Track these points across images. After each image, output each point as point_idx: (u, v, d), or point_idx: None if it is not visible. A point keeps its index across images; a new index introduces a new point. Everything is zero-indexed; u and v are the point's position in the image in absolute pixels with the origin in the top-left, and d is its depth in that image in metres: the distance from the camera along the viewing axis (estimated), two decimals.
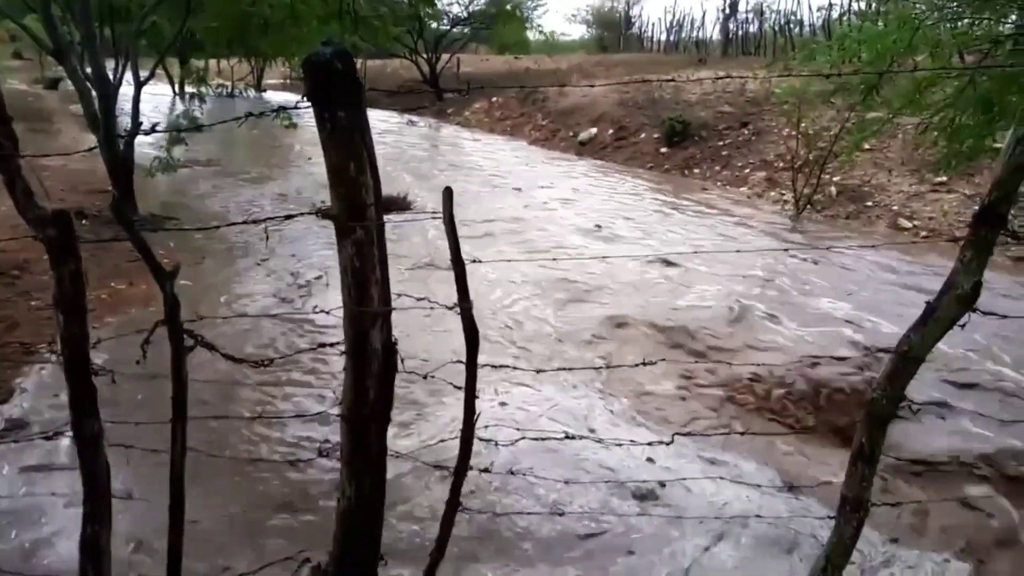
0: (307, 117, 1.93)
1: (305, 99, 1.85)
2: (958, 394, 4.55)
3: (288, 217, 2.10)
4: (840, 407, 4.37)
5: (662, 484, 3.36)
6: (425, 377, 2.51)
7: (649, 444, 2.99)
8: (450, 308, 2.14)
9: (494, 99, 20.47)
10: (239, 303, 5.96)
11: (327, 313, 2.34)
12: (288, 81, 29.22)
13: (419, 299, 2.17)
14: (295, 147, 14.46)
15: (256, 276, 6.64)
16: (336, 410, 2.25)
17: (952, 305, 2.40)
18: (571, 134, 16.43)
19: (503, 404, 4.14)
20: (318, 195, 9.77)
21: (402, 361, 2.28)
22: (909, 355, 2.52)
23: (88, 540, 1.95)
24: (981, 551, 3.19)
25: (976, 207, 2.37)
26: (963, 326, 2.39)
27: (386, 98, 21.46)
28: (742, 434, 3.52)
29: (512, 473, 3.11)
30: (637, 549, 3.01)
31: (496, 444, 2.36)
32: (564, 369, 4.23)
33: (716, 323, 5.71)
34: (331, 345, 2.29)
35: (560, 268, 6.65)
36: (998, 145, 2.52)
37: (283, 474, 3.50)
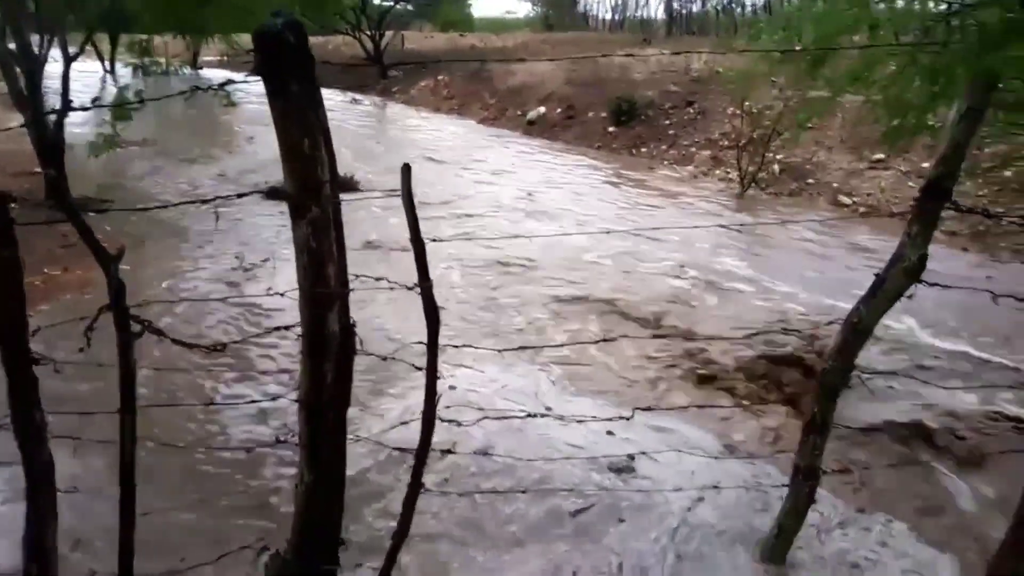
0: (247, 95, 1.86)
1: (253, 74, 1.77)
2: (904, 362, 4.73)
3: (240, 196, 2.02)
4: (789, 379, 4.49)
5: (631, 457, 3.42)
6: (384, 359, 2.47)
7: (610, 420, 3.02)
8: (410, 288, 2.10)
9: (440, 77, 20.20)
10: (183, 289, 5.77)
11: (282, 295, 2.27)
12: (226, 58, 28.24)
13: (377, 279, 2.13)
14: (235, 127, 14.03)
15: (200, 261, 6.43)
16: (294, 395, 2.19)
17: (899, 277, 2.47)
18: (519, 113, 16.35)
19: (452, 388, 4.07)
20: (262, 176, 9.51)
21: (361, 343, 2.24)
22: (859, 327, 2.60)
23: (32, 539, 1.87)
24: (926, 514, 3.34)
25: (911, 184, 2.44)
26: (910, 297, 2.46)
27: (328, 76, 20.97)
28: (700, 407, 3.59)
29: (487, 455, 3.11)
30: (627, 517, 3.11)
31: (459, 424, 2.32)
32: (526, 348, 4.21)
33: (663, 299, 5.79)
34: (287, 328, 2.23)
35: (504, 247, 6.62)
36: (938, 124, 2.59)
37: (240, 462, 3.42)
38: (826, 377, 2.73)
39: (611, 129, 14.33)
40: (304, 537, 2.30)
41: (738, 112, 11.11)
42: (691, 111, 13.77)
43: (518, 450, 3.31)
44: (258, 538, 2.75)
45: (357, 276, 2.11)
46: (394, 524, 2.28)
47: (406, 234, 1.92)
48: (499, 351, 3.66)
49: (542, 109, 15.98)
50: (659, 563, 2.87)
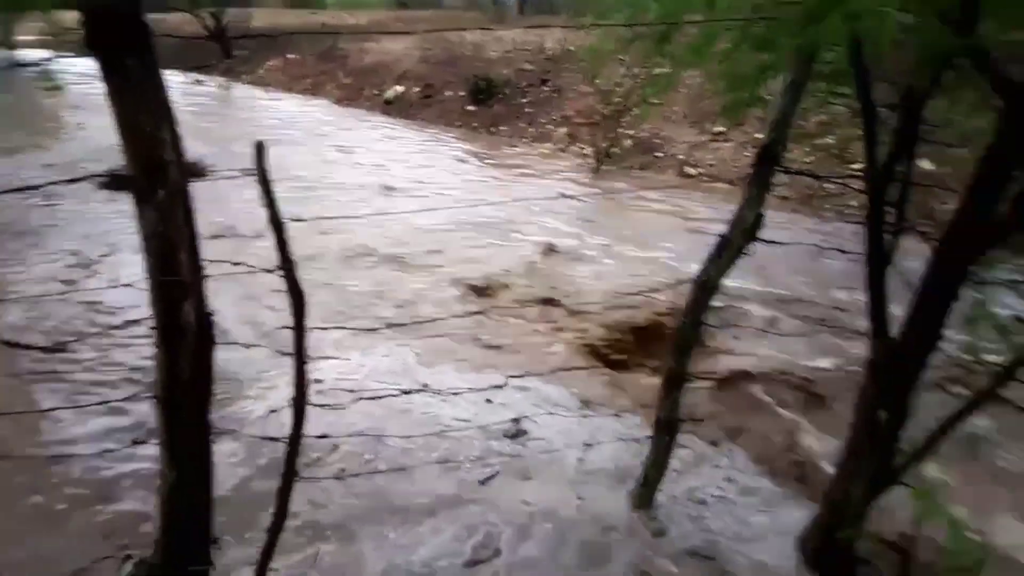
0: (74, 79, 1.71)
1: (82, 50, 1.64)
2: (750, 315, 5.14)
3: (72, 182, 1.86)
4: (650, 338, 4.77)
5: (516, 421, 3.58)
6: (248, 347, 2.39)
7: (485, 389, 3.08)
8: (271, 271, 2.04)
9: (290, 56, 19.36)
10: (12, 291, 5.22)
11: (129, 287, 2.13)
12: (50, 38, 25.51)
13: (236, 263, 2.04)
14: (61, 113, 12.77)
15: (30, 259, 5.84)
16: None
17: (740, 236, 2.68)
18: (376, 92, 16.00)
19: (319, 380, 3.82)
20: (97, 165, 8.73)
21: (223, 333, 2.15)
22: (706, 284, 2.80)
23: None
24: (769, 451, 3.67)
25: (747, 153, 2.66)
26: (750, 255, 2.68)
27: (167, 55, 19.48)
28: (568, 370, 3.74)
29: (380, 438, 3.08)
30: (533, 475, 3.33)
31: (333, 408, 2.29)
32: (395, 326, 4.17)
33: (526, 269, 5.94)
34: (136, 322, 2.10)
35: (363, 226, 6.51)
36: (769, 97, 2.82)
37: (94, 468, 3.17)
38: (680, 334, 2.92)
39: (470, 108, 14.36)
40: (171, 538, 2.19)
41: (590, 90, 11.47)
42: (546, 89, 14.05)
43: (410, 430, 3.31)
44: (120, 546, 2.58)
45: (211, 262, 2.01)
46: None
47: (262, 220, 1.85)
48: (370, 330, 3.62)
49: (399, 88, 15.73)
50: (566, 506, 3.11)
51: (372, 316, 4.92)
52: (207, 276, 2.01)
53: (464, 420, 3.59)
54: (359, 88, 16.59)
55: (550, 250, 6.54)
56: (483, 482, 3.23)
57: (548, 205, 7.76)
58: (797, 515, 3.14)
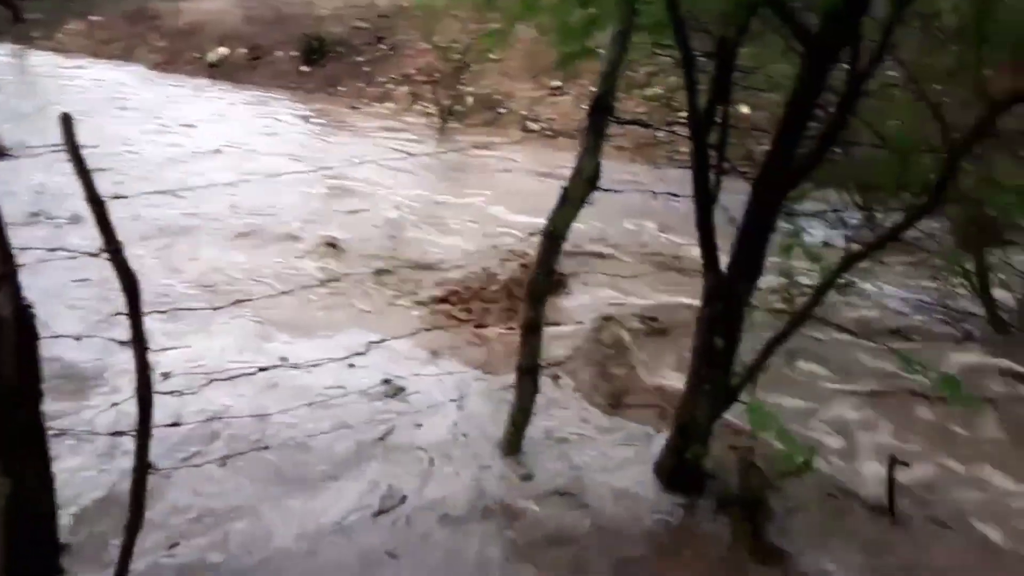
0: None
1: None
2: (596, 259, 5.40)
3: None
4: (507, 292, 4.88)
5: (387, 381, 3.66)
6: (79, 339, 2.20)
7: (346, 358, 3.05)
8: (95, 255, 1.89)
9: (93, 18, 17.47)
10: None
11: None
12: None
13: (52, 249, 1.87)
14: None
15: None
16: None
17: (580, 186, 2.80)
18: (198, 55, 14.83)
19: (165, 375, 3.41)
20: None
21: (45, 326, 1.97)
22: (554, 234, 2.90)
23: None
24: (610, 386, 3.92)
25: (583, 106, 2.77)
26: (590, 203, 2.81)
27: None
28: (428, 330, 3.78)
29: (269, 415, 3.04)
30: (423, 422, 3.46)
31: (195, 391, 2.17)
32: (243, 301, 3.97)
33: (376, 232, 5.87)
34: None
35: (197, 198, 6.12)
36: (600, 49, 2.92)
37: None
38: (532, 284, 3.02)
39: (303, 69, 13.71)
40: (13, 550, 2.02)
41: (429, 47, 11.31)
42: (383, 47, 13.67)
43: (287, 404, 3.25)
44: None
45: (23, 249, 1.83)
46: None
47: (78, 201, 1.70)
48: (213, 308, 3.44)
49: (223, 50, 14.69)
50: (455, 444, 3.31)
51: (217, 293, 4.68)
52: (20, 265, 1.83)
53: (338, 387, 3.59)
54: (178, 51, 15.32)
55: (400, 212, 6.47)
56: (380, 438, 3.30)
57: (397, 165, 7.64)
58: (659, 445, 3.36)
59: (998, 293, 4.90)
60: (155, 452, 2.10)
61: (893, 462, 3.02)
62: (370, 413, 3.48)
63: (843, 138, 3.16)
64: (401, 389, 3.70)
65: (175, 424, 2.52)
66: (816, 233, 5.00)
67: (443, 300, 4.78)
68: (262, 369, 2.79)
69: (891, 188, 4.08)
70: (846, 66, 2.42)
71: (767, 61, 3.47)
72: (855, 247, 2.97)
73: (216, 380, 2.81)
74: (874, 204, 5.44)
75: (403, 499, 2.94)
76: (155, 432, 2.09)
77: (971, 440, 3.66)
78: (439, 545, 2.72)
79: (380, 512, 2.87)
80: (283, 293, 4.12)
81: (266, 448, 3.05)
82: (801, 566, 2.75)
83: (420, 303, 4.76)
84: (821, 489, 3.15)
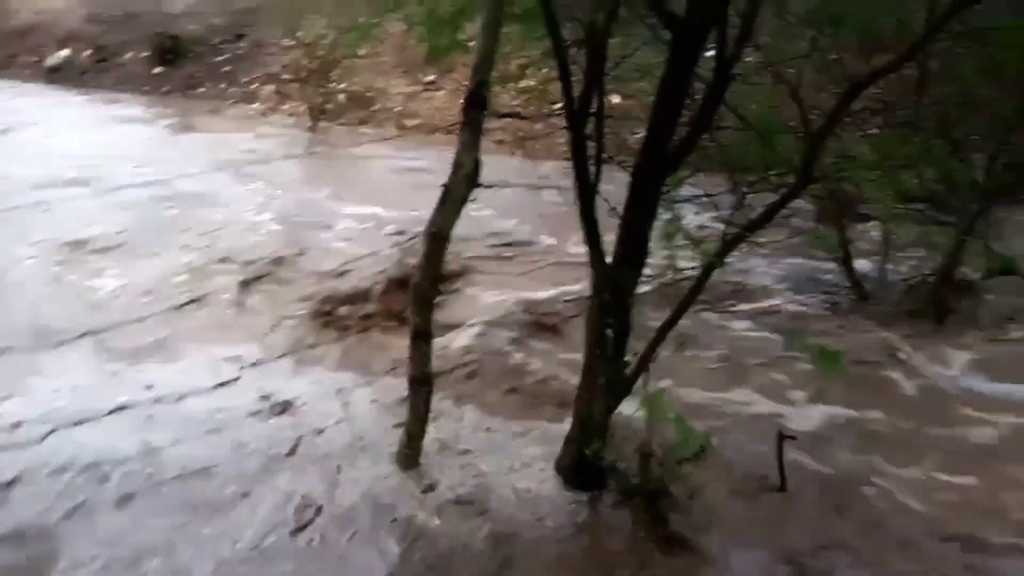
0: None
1: None
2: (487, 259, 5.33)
3: None
4: (393, 299, 4.70)
5: (265, 398, 3.54)
6: None
7: (224, 384, 2.84)
8: None
9: None
10: None
11: None
12: None
13: None
14: None
15: None
16: None
17: (462, 183, 2.69)
18: (36, 59, 13.54)
19: (17, 425, 3.19)
20: None
21: None
22: (438, 235, 2.78)
23: None
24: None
25: (460, 101, 2.66)
26: (473, 200, 2.71)
27: None
28: (311, 347, 3.60)
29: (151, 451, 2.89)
30: (327, 431, 3.37)
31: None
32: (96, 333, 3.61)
33: (250, 243, 5.54)
34: None
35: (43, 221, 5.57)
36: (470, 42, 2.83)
37: None
38: (419, 288, 2.89)
39: (157, 71, 12.80)
40: None
41: (293, 43, 10.81)
42: (244, 45, 12.99)
43: (178, 435, 3.11)
44: None
45: None
46: None
47: None
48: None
49: (65, 53, 13.48)
50: (353, 449, 3.24)
51: (67, 323, 4.23)
52: None
53: (226, 408, 3.44)
54: (12, 55, 13.93)
55: (268, 217, 6.12)
56: (288, 454, 3.19)
57: (263, 170, 7.23)
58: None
59: (860, 264, 5.25)
60: (38, 507, 1.85)
61: (781, 438, 3.12)
62: (271, 433, 3.33)
63: (713, 122, 3.22)
64: (288, 404, 3.54)
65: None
66: (691, 219, 5.14)
67: (323, 312, 4.54)
68: (120, 408, 2.51)
69: (759, 169, 4.24)
70: (712, 52, 2.44)
71: (635, 50, 3.49)
72: (731, 229, 3.03)
73: (84, 422, 2.51)
74: (743, 186, 5.66)
75: (319, 510, 2.86)
76: (34, 486, 1.83)
77: None
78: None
79: (298, 529, 2.77)
80: (149, 316, 3.80)
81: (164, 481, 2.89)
82: (704, 550, 2.78)
83: (291, 316, 4.49)
84: (721, 472, 3.20)
